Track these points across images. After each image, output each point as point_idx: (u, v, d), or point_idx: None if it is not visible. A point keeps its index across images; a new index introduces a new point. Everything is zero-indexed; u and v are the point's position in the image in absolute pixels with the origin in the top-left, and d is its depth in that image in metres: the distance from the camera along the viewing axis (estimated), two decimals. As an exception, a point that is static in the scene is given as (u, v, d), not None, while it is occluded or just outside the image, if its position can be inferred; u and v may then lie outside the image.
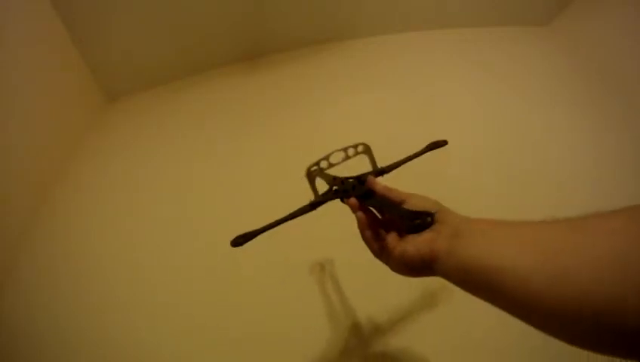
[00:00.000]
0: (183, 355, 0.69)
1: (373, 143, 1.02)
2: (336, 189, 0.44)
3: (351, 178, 0.45)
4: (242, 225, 0.89)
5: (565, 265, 0.23)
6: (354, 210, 0.42)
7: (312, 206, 0.45)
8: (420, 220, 0.36)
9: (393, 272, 0.38)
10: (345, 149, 0.46)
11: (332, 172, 0.46)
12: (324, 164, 0.46)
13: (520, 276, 0.25)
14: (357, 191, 0.43)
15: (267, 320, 0.71)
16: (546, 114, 1.03)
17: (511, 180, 0.89)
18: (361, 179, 0.44)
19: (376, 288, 0.69)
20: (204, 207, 0.92)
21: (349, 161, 0.47)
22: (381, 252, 0.39)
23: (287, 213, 0.46)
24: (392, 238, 0.38)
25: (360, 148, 0.46)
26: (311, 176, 0.46)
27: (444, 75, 1.15)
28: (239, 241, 0.46)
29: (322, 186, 0.47)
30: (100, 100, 1.24)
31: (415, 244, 0.35)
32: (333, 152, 0.46)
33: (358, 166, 0.47)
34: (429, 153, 0.52)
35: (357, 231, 0.42)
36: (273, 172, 0.96)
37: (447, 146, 0.53)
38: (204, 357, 0.69)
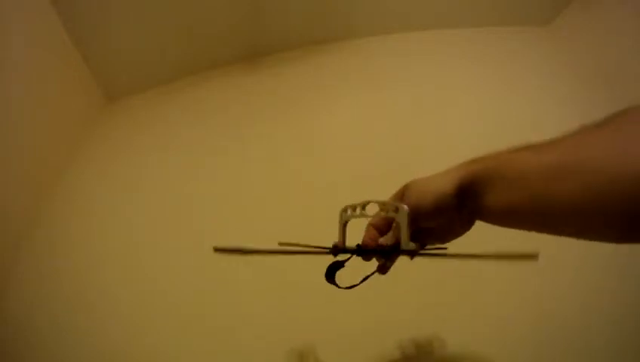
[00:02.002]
0: (183, 355, 0.69)
1: (374, 143, 1.02)
2: (359, 247, 0.43)
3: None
4: (242, 225, 0.89)
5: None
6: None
7: (334, 250, 0.43)
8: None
9: None
10: (382, 204, 0.44)
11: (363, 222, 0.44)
12: (358, 211, 0.45)
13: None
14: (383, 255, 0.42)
15: (267, 320, 0.71)
16: (546, 114, 1.03)
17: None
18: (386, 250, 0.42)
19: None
20: (205, 207, 0.92)
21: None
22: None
23: (304, 246, 0.45)
24: None
25: (396, 209, 0.44)
26: (342, 218, 0.44)
27: (444, 75, 1.15)
28: (221, 250, 0.45)
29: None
30: (99, 100, 1.24)
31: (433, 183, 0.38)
32: (371, 202, 0.44)
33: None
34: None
35: None
36: (273, 171, 0.96)
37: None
38: (203, 357, 0.69)
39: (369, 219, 0.44)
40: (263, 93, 1.17)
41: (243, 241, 0.85)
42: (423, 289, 0.71)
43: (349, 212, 0.44)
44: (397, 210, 0.43)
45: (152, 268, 0.82)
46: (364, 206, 0.44)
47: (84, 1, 1.06)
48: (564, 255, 0.67)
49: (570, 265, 0.73)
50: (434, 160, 0.96)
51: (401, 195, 0.40)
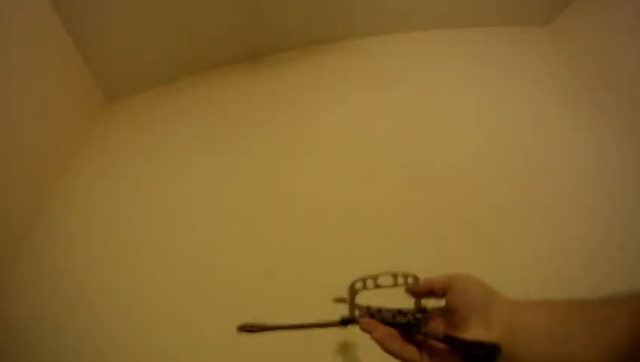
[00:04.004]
0: (183, 355, 0.69)
1: (374, 143, 1.02)
2: (372, 313, 0.41)
3: (389, 309, 0.41)
4: (242, 225, 0.89)
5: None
6: (370, 330, 0.38)
7: (344, 322, 0.42)
8: (483, 351, 0.30)
9: None
10: (395, 275, 0.44)
11: (376, 294, 0.43)
12: (370, 284, 0.44)
13: None
14: (398, 320, 0.40)
15: (266, 320, 0.71)
16: (546, 114, 1.03)
17: (511, 180, 0.89)
18: (401, 312, 0.41)
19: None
20: (205, 207, 0.92)
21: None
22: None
23: (312, 322, 0.43)
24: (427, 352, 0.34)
25: (410, 280, 0.44)
26: (353, 291, 0.43)
27: (444, 75, 1.15)
28: (248, 329, 0.45)
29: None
30: (99, 100, 1.24)
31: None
32: (382, 274, 0.44)
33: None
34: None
35: None
36: (273, 171, 0.96)
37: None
38: (203, 357, 0.69)
39: (382, 289, 0.43)
40: (263, 93, 1.17)
41: (243, 240, 0.85)
42: None
43: (359, 284, 0.43)
44: (408, 277, 0.43)
45: (152, 268, 0.82)
46: (376, 277, 0.43)
47: (84, 1, 1.06)
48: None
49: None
50: (434, 160, 0.96)
51: (447, 286, 0.37)
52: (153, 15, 1.12)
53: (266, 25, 1.21)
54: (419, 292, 0.40)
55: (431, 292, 0.39)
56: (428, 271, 0.77)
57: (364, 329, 0.38)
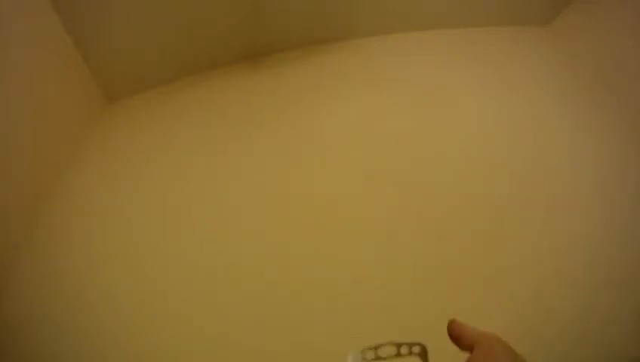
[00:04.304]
0: (183, 355, 0.69)
1: (374, 143, 1.02)
2: None
3: None
4: (242, 225, 0.89)
5: None
6: None
7: None
8: None
9: None
10: (398, 345, 0.42)
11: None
12: (370, 355, 0.42)
13: None
14: None
15: (266, 321, 0.71)
16: (546, 114, 1.03)
17: (511, 180, 0.89)
18: None
19: None
20: (205, 207, 0.92)
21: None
22: None
23: None
24: None
25: (415, 349, 0.42)
26: None
27: (444, 75, 1.15)
28: None
29: None
30: (99, 100, 1.24)
31: None
32: (384, 344, 0.42)
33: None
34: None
35: None
36: (273, 170, 0.96)
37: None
38: (203, 357, 0.69)
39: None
40: (263, 93, 1.17)
41: (242, 240, 0.85)
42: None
43: (358, 358, 0.42)
44: (412, 346, 0.41)
45: (152, 268, 0.82)
46: (376, 348, 0.42)
47: (84, 1, 1.06)
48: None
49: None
50: (434, 160, 0.96)
51: (475, 341, 0.36)
52: (153, 15, 1.12)
53: (266, 25, 1.21)
54: (452, 334, 0.38)
55: (458, 340, 0.37)
56: (428, 270, 0.77)
57: None
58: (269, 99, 1.15)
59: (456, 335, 0.36)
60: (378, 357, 0.40)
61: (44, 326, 0.74)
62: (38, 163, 0.97)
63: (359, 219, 0.84)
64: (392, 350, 0.40)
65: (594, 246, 0.77)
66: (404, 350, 0.41)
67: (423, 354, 0.41)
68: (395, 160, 0.94)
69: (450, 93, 1.09)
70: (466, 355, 0.33)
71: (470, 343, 0.35)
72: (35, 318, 0.76)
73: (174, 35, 1.18)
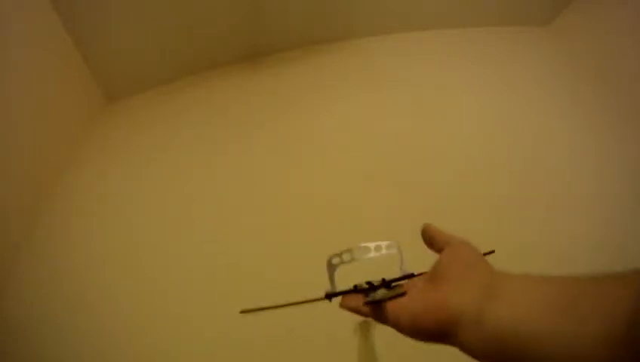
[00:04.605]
0: (183, 355, 0.69)
1: (374, 143, 1.02)
2: (356, 286, 0.41)
3: (376, 282, 0.41)
4: (242, 225, 0.89)
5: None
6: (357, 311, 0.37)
7: (328, 296, 0.43)
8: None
9: None
10: (371, 246, 0.44)
11: (354, 266, 0.43)
12: (346, 257, 0.45)
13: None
14: (361, 286, 0.40)
15: (266, 320, 0.71)
16: (546, 114, 1.03)
17: (511, 180, 0.89)
18: (387, 283, 0.41)
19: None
20: (205, 207, 0.92)
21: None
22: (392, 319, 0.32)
23: (301, 299, 0.45)
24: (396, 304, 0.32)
25: (388, 247, 0.44)
26: (331, 267, 0.44)
27: (444, 75, 1.15)
28: (246, 311, 0.45)
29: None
30: (99, 100, 1.24)
31: (424, 301, 0.29)
32: (358, 246, 0.44)
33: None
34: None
35: None
36: (273, 171, 0.96)
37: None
38: (203, 357, 0.69)
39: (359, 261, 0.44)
40: (263, 93, 1.17)
41: (242, 240, 0.85)
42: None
43: (336, 260, 0.44)
44: (386, 245, 0.44)
45: (152, 268, 0.82)
46: (351, 250, 0.44)
47: (84, 1, 1.06)
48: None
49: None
50: (434, 160, 0.96)
51: (445, 244, 0.36)
52: (153, 15, 1.12)
53: (266, 25, 1.21)
54: (425, 236, 0.40)
55: (430, 242, 0.39)
56: (427, 269, 0.77)
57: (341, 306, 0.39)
58: (269, 99, 1.15)
59: (429, 237, 0.38)
60: (354, 258, 0.43)
61: (44, 326, 0.74)
62: (38, 163, 0.97)
63: (359, 219, 0.84)
64: (367, 251, 0.43)
65: (594, 246, 0.77)
66: (380, 250, 0.44)
67: (397, 251, 0.44)
68: (395, 160, 0.94)
69: (450, 93, 1.09)
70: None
71: (442, 245, 0.37)
72: (35, 318, 0.76)
73: (174, 35, 1.18)
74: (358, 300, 0.37)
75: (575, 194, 0.86)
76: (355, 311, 0.36)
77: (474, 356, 0.25)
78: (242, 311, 0.45)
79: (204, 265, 0.81)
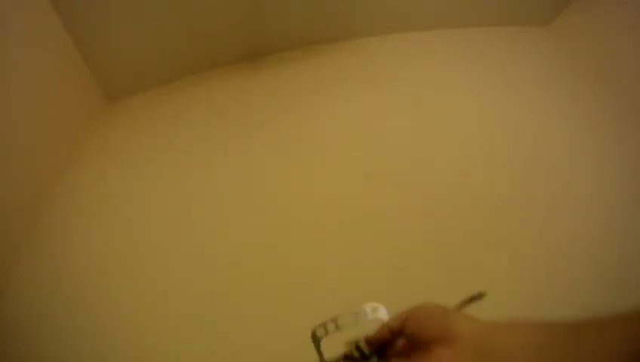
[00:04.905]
0: (183, 355, 0.69)
1: (374, 143, 1.02)
2: (346, 356, 0.39)
3: (366, 350, 0.39)
4: (242, 225, 0.89)
5: None
6: None
7: None
8: None
9: None
10: (355, 314, 0.43)
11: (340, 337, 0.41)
12: (330, 327, 0.44)
13: None
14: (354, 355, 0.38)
15: (266, 321, 0.71)
16: (546, 114, 1.03)
17: (511, 180, 0.89)
18: (379, 351, 0.39)
19: None
20: (205, 207, 0.92)
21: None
22: None
23: None
24: None
25: (374, 311, 0.43)
26: (316, 338, 0.42)
27: (444, 75, 1.15)
28: None
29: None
30: (99, 100, 1.24)
31: None
32: (341, 315, 0.43)
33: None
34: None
35: None
36: (273, 170, 0.96)
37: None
38: (203, 357, 0.69)
39: (342, 331, 0.43)
40: (263, 93, 1.17)
41: (242, 240, 0.85)
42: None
43: (321, 330, 0.43)
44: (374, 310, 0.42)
45: (152, 268, 0.82)
46: (335, 319, 0.43)
47: (84, 1, 1.06)
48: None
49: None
50: (434, 160, 0.96)
51: (404, 320, 0.35)
52: (153, 15, 1.12)
53: (266, 25, 1.21)
54: (377, 342, 0.37)
55: (394, 335, 0.36)
56: (427, 269, 0.77)
57: None
58: (269, 99, 1.15)
59: (386, 331, 0.36)
60: (338, 328, 0.42)
61: (44, 326, 0.74)
62: (38, 163, 0.97)
63: (359, 219, 0.84)
64: (351, 318, 0.42)
65: (594, 246, 0.77)
66: (361, 316, 0.43)
67: (381, 314, 0.43)
68: (395, 160, 0.94)
69: (450, 93, 1.09)
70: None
71: (401, 322, 0.35)
72: (35, 318, 0.76)
73: (174, 35, 1.18)
74: None
75: (575, 194, 0.86)
76: None
77: None
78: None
79: (204, 265, 0.81)
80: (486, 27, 1.27)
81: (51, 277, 0.82)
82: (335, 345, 0.39)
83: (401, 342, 0.36)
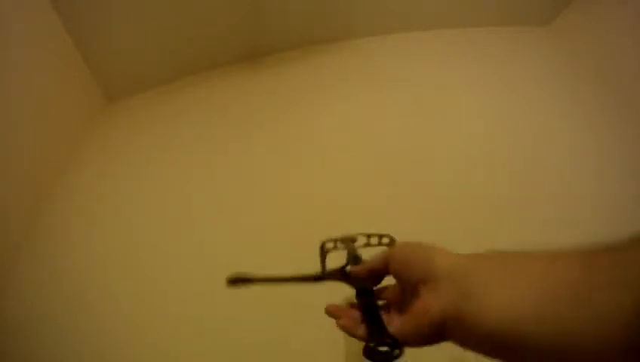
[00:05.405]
0: (183, 355, 0.69)
1: (374, 143, 1.02)
2: (344, 272, 0.42)
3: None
4: (242, 225, 0.89)
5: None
6: (335, 316, 0.37)
7: (316, 279, 0.43)
8: (386, 349, 0.29)
9: None
10: (368, 236, 0.45)
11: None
12: (340, 245, 0.44)
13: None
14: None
15: (266, 320, 0.71)
16: (546, 114, 1.03)
17: (511, 180, 0.89)
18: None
19: None
20: (205, 207, 0.92)
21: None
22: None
23: (293, 275, 0.44)
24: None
25: (384, 240, 0.45)
26: (324, 251, 0.44)
27: (444, 75, 1.15)
28: (235, 281, 0.44)
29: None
30: (99, 100, 1.24)
31: (412, 320, 0.29)
32: (355, 235, 0.44)
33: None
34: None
35: None
36: (273, 171, 0.96)
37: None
38: (203, 357, 0.69)
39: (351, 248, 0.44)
40: (263, 93, 1.17)
41: (242, 240, 0.85)
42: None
43: (330, 245, 0.45)
44: (382, 237, 0.45)
45: (152, 268, 0.82)
46: (347, 238, 0.45)
47: (84, 1, 1.06)
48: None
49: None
50: (434, 159, 0.96)
51: (386, 261, 0.35)
52: (153, 15, 1.12)
53: (266, 25, 1.21)
54: (359, 275, 0.39)
55: (374, 274, 0.37)
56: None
57: (329, 314, 0.38)
58: (269, 99, 1.15)
59: (367, 267, 0.38)
60: (348, 246, 0.43)
61: (44, 326, 0.74)
62: (38, 163, 0.97)
63: (359, 219, 0.84)
64: (362, 240, 0.43)
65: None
66: (373, 241, 0.44)
67: (392, 244, 0.44)
68: (395, 160, 0.94)
69: (450, 93, 1.09)
70: None
71: (383, 262, 0.36)
72: (35, 318, 0.76)
73: (174, 35, 1.18)
74: (354, 320, 0.36)
75: (575, 194, 0.86)
76: (350, 333, 0.35)
77: (464, 347, 0.26)
78: (229, 281, 0.44)
79: (204, 265, 0.81)
80: (486, 27, 1.27)
81: (51, 277, 0.82)
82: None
83: (390, 289, 0.37)
